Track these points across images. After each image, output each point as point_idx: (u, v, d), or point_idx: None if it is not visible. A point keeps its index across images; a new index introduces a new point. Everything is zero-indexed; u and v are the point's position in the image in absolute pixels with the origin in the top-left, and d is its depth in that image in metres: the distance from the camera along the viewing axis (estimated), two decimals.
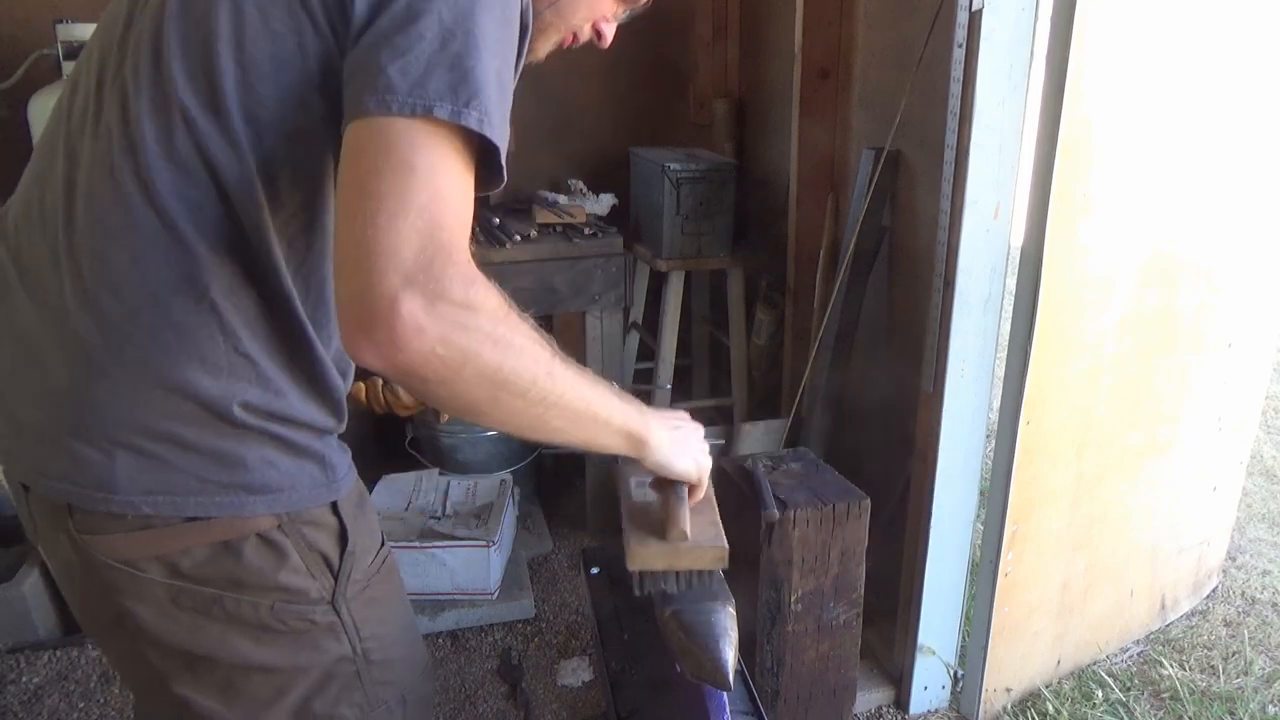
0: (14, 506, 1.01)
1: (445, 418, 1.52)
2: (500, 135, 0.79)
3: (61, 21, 2.21)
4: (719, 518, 1.24)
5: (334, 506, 0.98)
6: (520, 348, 0.82)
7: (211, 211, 0.84)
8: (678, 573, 1.16)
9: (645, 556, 1.14)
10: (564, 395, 0.87)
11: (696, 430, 1.14)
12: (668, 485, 1.18)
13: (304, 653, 0.98)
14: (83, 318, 0.84)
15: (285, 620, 0.95)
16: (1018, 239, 1.72)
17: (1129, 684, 2.14)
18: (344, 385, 0.99)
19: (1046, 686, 2.11)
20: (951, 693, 2.07)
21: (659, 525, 1.16)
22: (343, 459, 1.00)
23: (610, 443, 0.96)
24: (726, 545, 1.17)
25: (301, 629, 0.96)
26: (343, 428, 1.01)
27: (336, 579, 0.98)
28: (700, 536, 1.16)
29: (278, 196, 0.86)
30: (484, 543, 2.37)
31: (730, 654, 1.15)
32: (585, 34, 1.07)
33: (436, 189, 0.74)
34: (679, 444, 1.07)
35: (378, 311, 0.72)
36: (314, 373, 0.93)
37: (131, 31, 0.87)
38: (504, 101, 0.81)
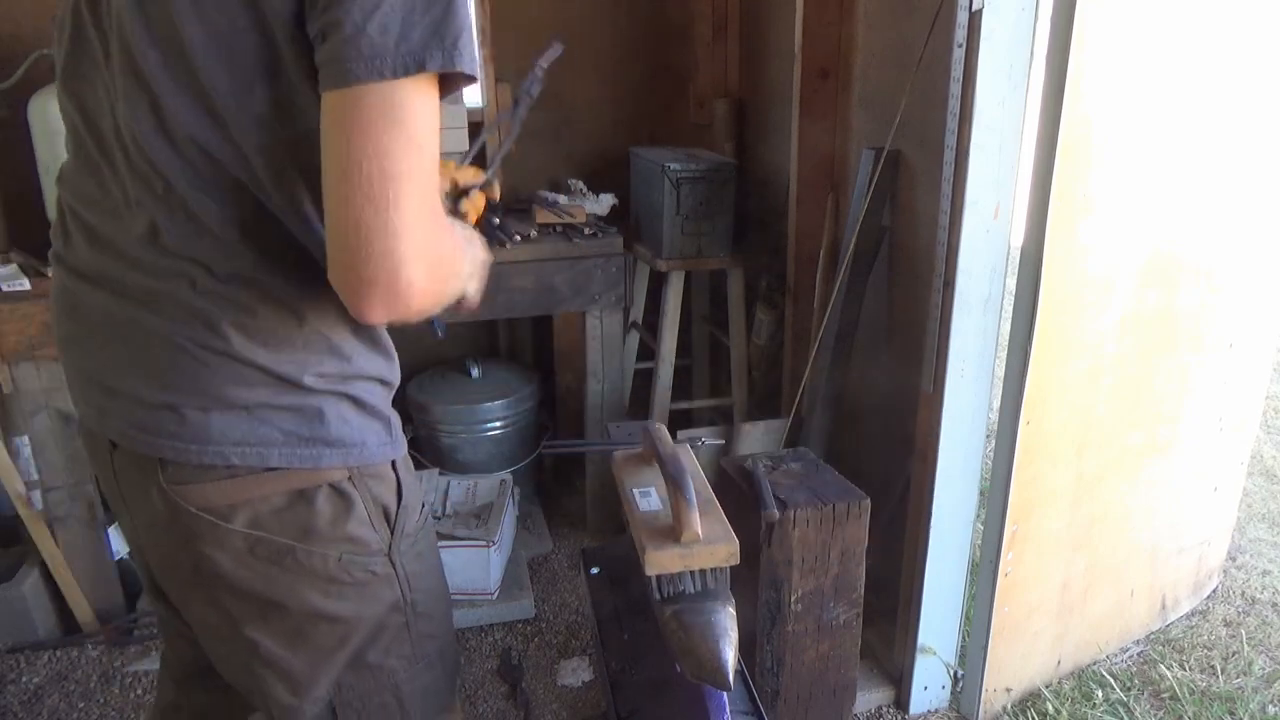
0: (14, 507, 1.06)
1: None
2: (476, 67, 0.84)
3: None
4: (724, 516, 1.28)
5: (393, 463, 1.05)
6: (469, 269, 1.02)
7: (235, 201, 0.89)
8: (693, 572, 1.21)
9: (662, 560, 1.21)
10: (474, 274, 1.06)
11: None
12: (676, 491, 1.23)
13: (365, 604, 1.04)
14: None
15: (351, 572, 1.02)
16: (1018, 239, 1.72)
17: (1129, 684, 2.14)
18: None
19: (1046, 686, 2.11)
20: (951, 693, 2.07)
21: (669, 530, 1.23)
22: (398, 421, 1.09)
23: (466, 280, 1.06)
24: (736, 541, 1.22)
25: (364, 580, 1.03)
26: (398, 381, 1.11)
27: (393, 531, 1.04)
28: (711, 535, 1.22)
29: (284, 175, 0.88)
30: (484, 543, 2.37)
31: (730, 654, 1.16)
32: None
33: (428, 152, 0.79)
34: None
35: (396, 290, 0.80)
36: (373, 334, 1.03)
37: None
38: (470, 25, 0.83)
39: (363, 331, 1.01)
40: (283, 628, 1.02)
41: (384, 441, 1.03)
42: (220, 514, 0.95)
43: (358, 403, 1.00)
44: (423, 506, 1.13)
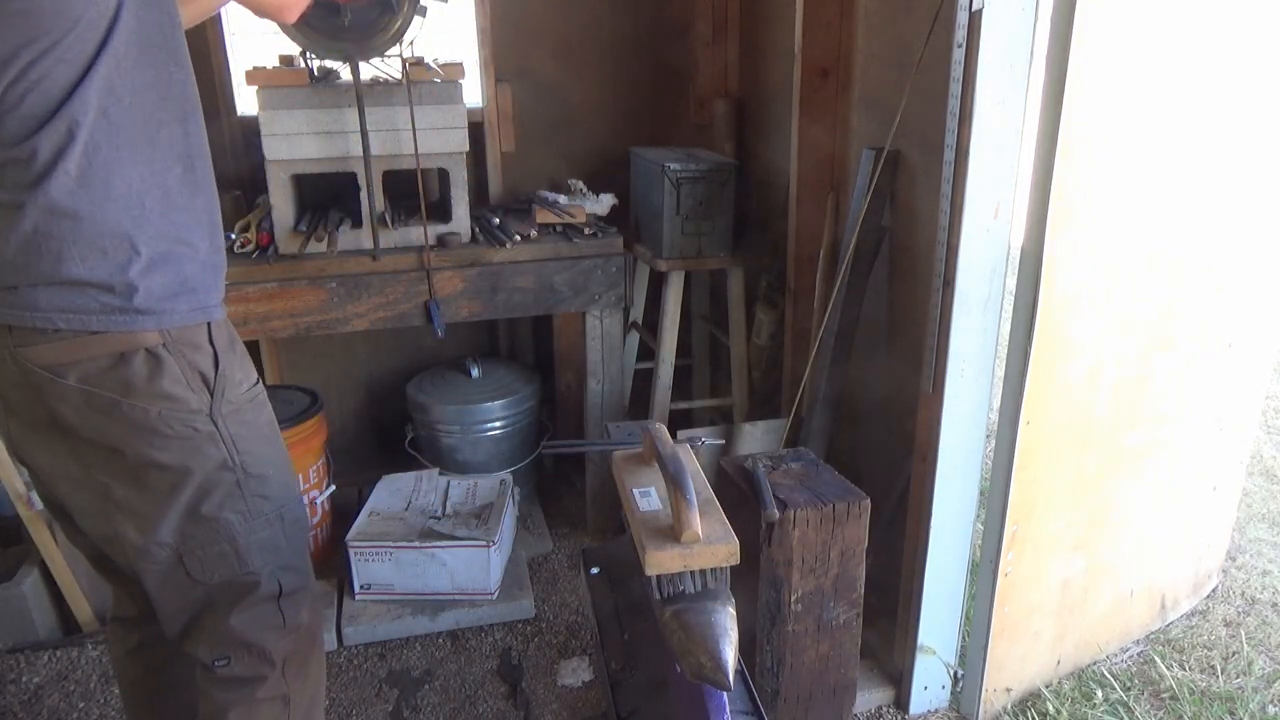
0: (14, 507, 1.19)
1: None
2: None
3: None
4: (724, 516, 1.28)
5: (209, 333, 1.26)
6: None
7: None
8: (693, 572, 1.22)
9: (662, 560, 1.21)
10: None
11: None
12: (676, 491, 1.23)
13: (190, 457, 1.25)
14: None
15: (171, 425, 1.22)
16: (1018, 239, 1.72)
17: (1129, 684, 2.14)
18: (216, 211, 1.32)
19: (1046, 686, 2.11)
20: (951, 693, 2.07)
21: (669, 530, 1.23)
22: (215, 294, 1.30)
23: None
24: (737, 541, 1.22)
25: (185, 434, 1.24)
26: (217, 256, 1.31)
27: (213, 395, 1.25)
28: (711, 535, 1.22)
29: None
30: (484, 543, 2.37)
31: (730, 654, 1.16)
32: None
33: None
34: None
35: None
36: (184, 197, 1.23)
37: None
38: None
39: (174, 196, 1.21)
40: (124, 472, 1.23)
41: (194, 307, 1.24)
42: (56, 371, 1.17)
43: (167, 275, 1.20)
44: (255, 384, 1.34)
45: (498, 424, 2.84)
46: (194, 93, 1.27)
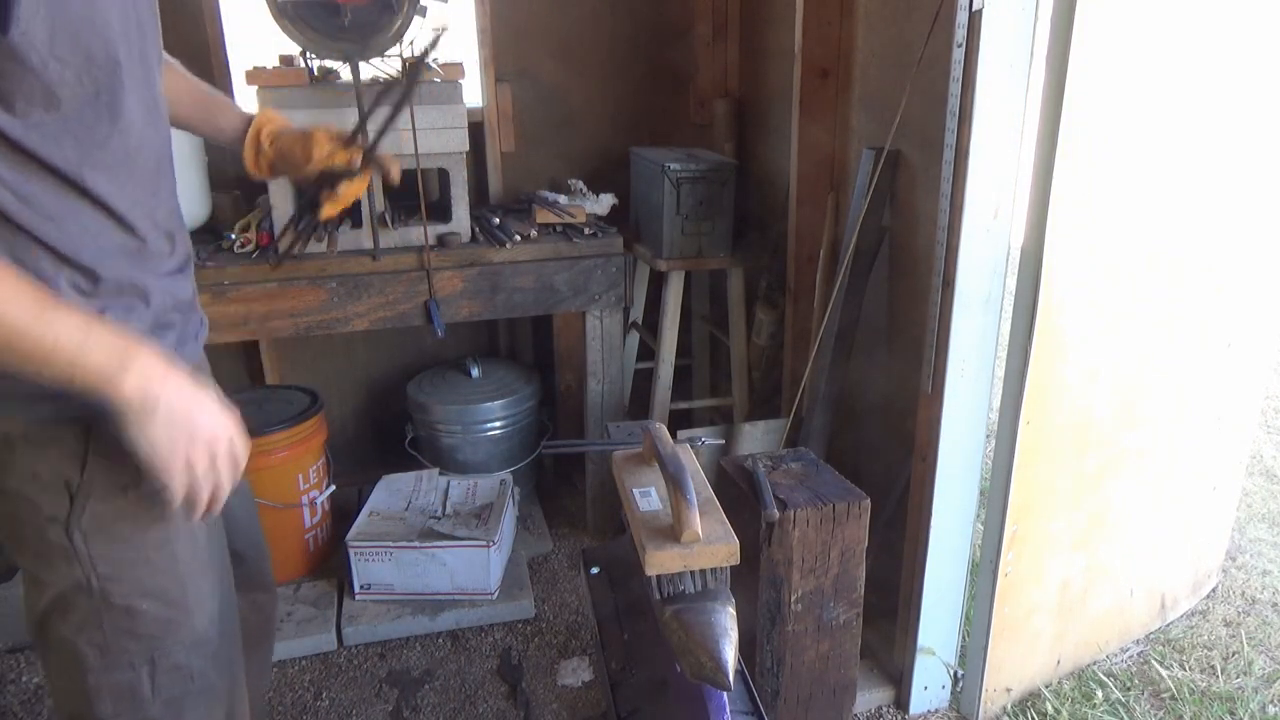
0: None
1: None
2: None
3: None
4: (724, 516, 1.28)
5: (86, 433, 1.01)
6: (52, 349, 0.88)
7: None
8: (693, 572, 1.21)
9: (662, 560, 1.21)
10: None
11: (215, 419, 0.99)
12: (676, 491, 1.23)
13: (41, 566, 1.06)
14: None
15: (23, 526, 1.04)
16: (1018, 239, 1.72)
17: (1129, 684, 2.14)
18: (104, 256, 1.01)
19: (1046, 686, 2.11)
20: (951, 693, 2.07)
21: (669, 530, 1.23)
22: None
23: (59, 373, 0.89)
24: (737, 541, 1.22)
25: (34, 542, 1.04)
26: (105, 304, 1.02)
27: (72, 501, 1.02)
28: (711, 535, 1.22)
29: None
30: (484, 543, 2.37)
31: (730, 654, 1.16)
32: None
33: None
34: (172, 421, 0.94)
35: None
36: (70, 250, 0.98)
37: None
38: None
39: (58, 251, 0.96)
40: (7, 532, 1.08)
41: (64, 405, 0.95)
42: None
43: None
44: (156, 497, 1.01)
45: (498, 424, 2.84)
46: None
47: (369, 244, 2.40)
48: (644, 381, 2.93)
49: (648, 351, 2.89)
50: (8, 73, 0.87)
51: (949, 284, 1.74)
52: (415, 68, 1.36)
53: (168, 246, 1.12)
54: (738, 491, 1.74)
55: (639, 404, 2.99)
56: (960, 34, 1.62)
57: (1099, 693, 2.10)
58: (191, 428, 0.96)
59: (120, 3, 0.98)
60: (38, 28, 0.86)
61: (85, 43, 0.91)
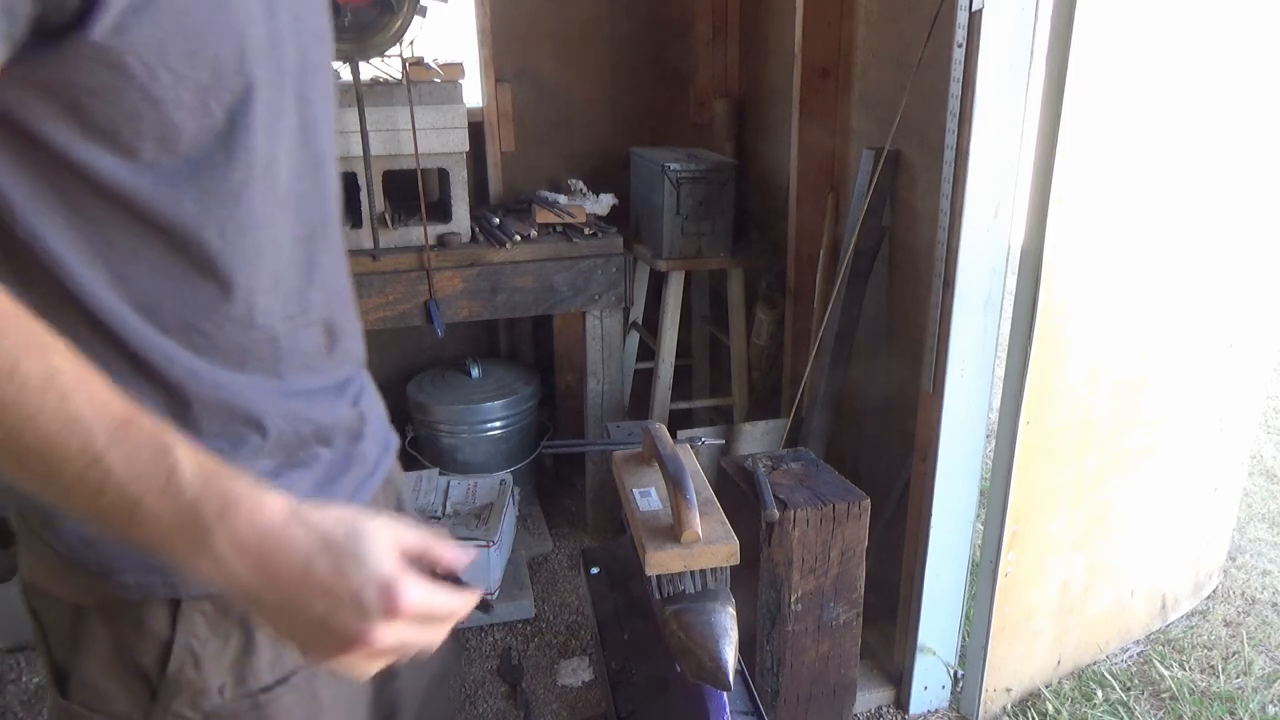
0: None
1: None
2: None
3: None
4: (724, 516, 1.29)
5: (171, 614, 0.73)
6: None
7: None
8: (693, 572, 1.22)
9: (662, 560, 1.21)
10: (30, 408, 0.54)
11: (387, 574, 0.61)
12: (676, 491, 1.24)
13: None
14: None
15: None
16: (1018, 239, 1.72)
17: (1129, 684, 2.14)
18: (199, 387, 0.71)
19: (1046, 686, 2.11)
20: (951, 693, 2.07)
21: (669, 530, 1.23)
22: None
23: (126, 522, 0.57)
24: (737, 541, 1.22)
25: None
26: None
27: (155, 700, 0.75)
28: (711, 535, 1.22)
29: None
30: (484, 543, 2.37)
31: (730, 654, 1.16)
32: None
33: None
34: (308, 593, 0.59)
35: None
36: (146, 366, 0.69)
37: None
38: None
39: (126, 362, 0.67)
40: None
41: (150, 568, 0.70)
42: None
43: None
44: (262, 687, 0.76)
45: (498, 424, 2.84)
46: None
47: (369, 244, 2.40)
48: (644, 381, 2.93)
49: (648, 351, 2.89)
50: (104, 90, 0.60)
51: (949, 284, 1.74)
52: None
53: (321, 342, 0.80)
54: (738, 491, 1.74)
55: (639, 404, 2.99)
56: (960, 34, 1.62)
57: (1099, 693, 2.10)
58: (349, 593, 0.60)
59: (264, 2, 0.69)
60: (140, 23, 0.59)
61: (210, 50, 0.63)
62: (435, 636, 0.66)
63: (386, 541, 0.62)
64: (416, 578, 0.62)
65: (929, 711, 2.07)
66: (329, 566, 0.59)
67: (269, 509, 0.59)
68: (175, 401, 0.70)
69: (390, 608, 0.60)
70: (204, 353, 0.70)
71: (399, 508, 0.97)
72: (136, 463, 0.56)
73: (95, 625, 0.74)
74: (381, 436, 0.91)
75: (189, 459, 0.57)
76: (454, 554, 0.68)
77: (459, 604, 0.67)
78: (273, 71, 0.70)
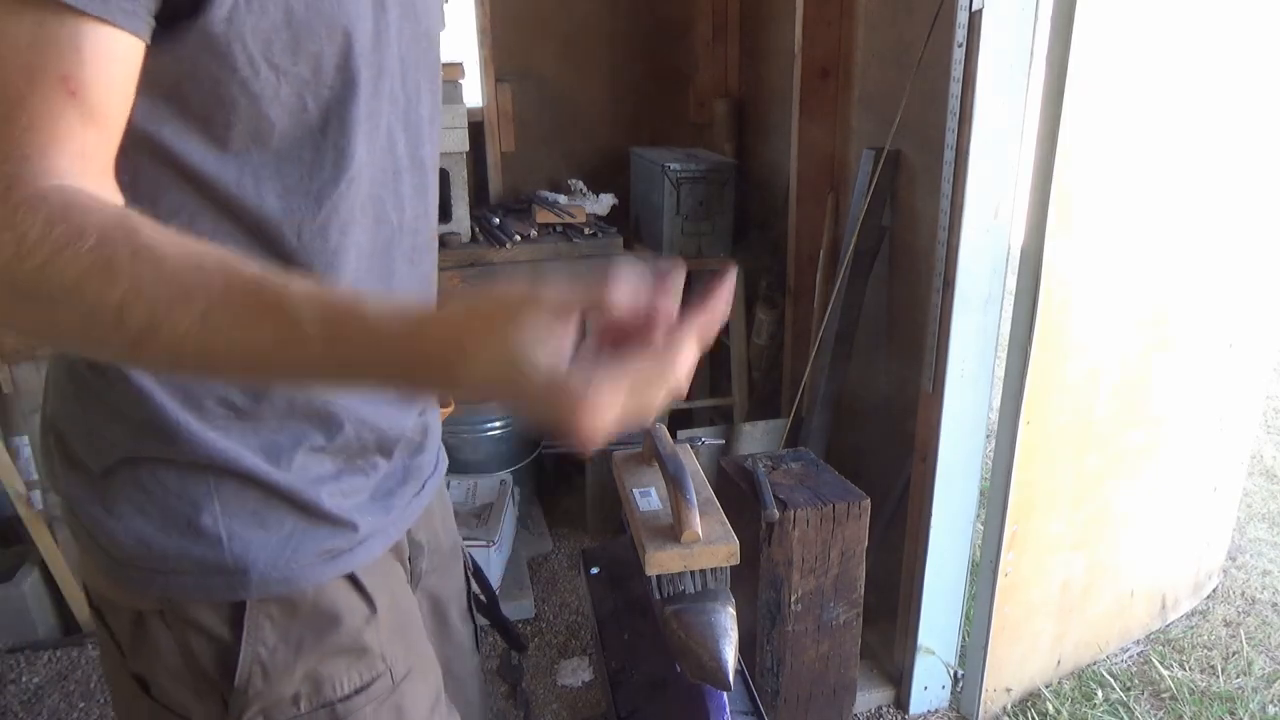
0: (14, 507, 0.96)
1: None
2: None
3: None
4: (724, 516, 1.29)
5: (233, 614, 0.71)
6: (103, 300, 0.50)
7: None
8: (693, 572, 1.22)
9: (662, 560, 1.21)
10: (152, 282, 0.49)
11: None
12: (676, 491, 1.24)
13: None
14: None
15: None
16: (1018, 239, 1.72)
17: (1129, 684, 2.14)
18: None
19: (1046, 686, 2.11)
20: (951, 693, 2.07)
21: (670, 530, 1.23)
22: (269, 542, 0.70)
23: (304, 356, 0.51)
24: (737, 541, 1.22)
25: None
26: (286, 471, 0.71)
27: (227, 707, 0.72)
28: (711, 535, 1.22)
29: None
30: (484, 543, 2.36)
31: (730, 654, 1.16)
32: None
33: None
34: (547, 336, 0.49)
35: None
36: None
37: None
38: None
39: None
40: None
41: (210, 569, 0.69)
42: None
43: (165, 502, 0.68)
44: (350, 693, 0.74)
45: (498, 424, 2.84)
46: None
47: None
48: None
49: None
50: (204, 77, 0.59)
51: (949, 284, 1.74)
52: None
53: None
54: (738, 491, 1.74)
55: None
56: (960, 34, 1.62)
57: (1099, 693, 2.10)
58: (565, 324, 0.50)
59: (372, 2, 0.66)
60: (250, 12, 0.58)
61: (315, 46, 0.62)
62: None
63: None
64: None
65: (929, 711, 2.07)
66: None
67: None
68: (248, 393, 0.69)
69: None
70: None
71: (446, 519, 0.99)
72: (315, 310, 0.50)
73: (156, 631, 0.72)
74: (436, 449, 0.90)
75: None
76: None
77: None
78: (374, 71, 0.68)
